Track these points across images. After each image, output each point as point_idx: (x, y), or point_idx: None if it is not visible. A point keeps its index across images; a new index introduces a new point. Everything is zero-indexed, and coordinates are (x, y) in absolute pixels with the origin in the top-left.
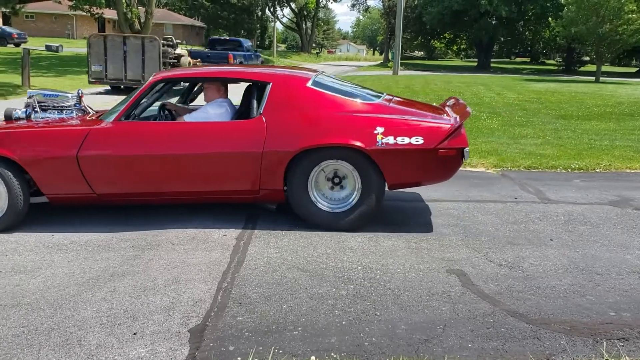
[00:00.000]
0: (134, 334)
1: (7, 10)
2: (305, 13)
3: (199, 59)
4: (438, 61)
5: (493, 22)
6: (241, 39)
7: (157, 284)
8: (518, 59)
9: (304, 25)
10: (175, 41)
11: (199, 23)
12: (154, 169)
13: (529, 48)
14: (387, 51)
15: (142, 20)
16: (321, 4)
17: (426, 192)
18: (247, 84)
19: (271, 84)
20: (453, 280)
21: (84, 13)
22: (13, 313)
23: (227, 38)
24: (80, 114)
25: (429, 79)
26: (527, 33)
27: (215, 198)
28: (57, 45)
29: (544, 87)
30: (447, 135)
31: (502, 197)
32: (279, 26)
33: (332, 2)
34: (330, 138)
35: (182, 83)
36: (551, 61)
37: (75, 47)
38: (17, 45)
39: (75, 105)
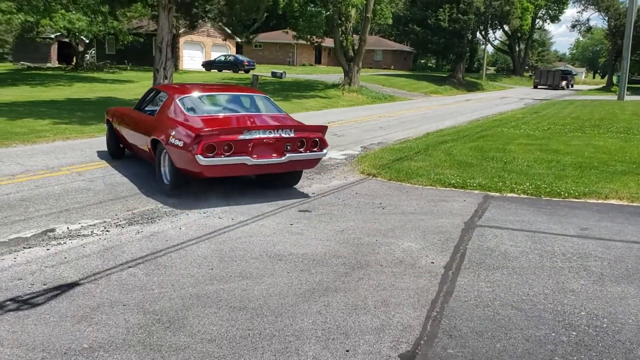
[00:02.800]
0: (347, 351)
1: (242, 40)
2: (519, 35)
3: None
4: None
5: None
6: (568, 69)
7: (367, 304)
8: None
9: (516, 48)
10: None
11: (407, 48)
12: (128, 135)
13: None
14: (611, 74)
15: (356, 47)
16: (537, 25)
17: None
18: None
19: (168, 95)
20: None
21: (304, 42)
22: (240, 315)
23: (562, 69)
24: None
25: None
26: None
27: (147, 156)
28: (282, 72)
29: None
30: (191, 142)
31: None
32: (489, 49)
33: (549, 23)
34: (156, 135)
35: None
36: None
37: (295, 74)
38: (246, 71)
39: None
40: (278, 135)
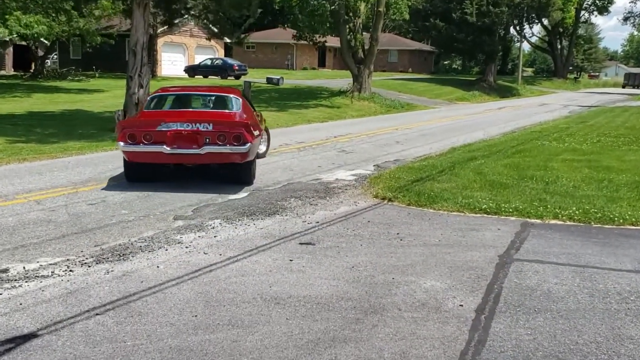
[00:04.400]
0: None
1: (232, 41)
2: (561, 30)
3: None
4: None
5: None
6: None
7: (383, 357)
8: None
9: (558, 45)
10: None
11: (427, 47)
12: None
13: None
14: None
15: (366, 47)
16: (582, 19)
17: None
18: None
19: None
20: None
21: (305, 42)
22: None
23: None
24: None
25: None
26: None
27: None
28: (279, 77)
29: None
30: (119, 132)
31: None
32: (525, 47)
33: (596, 16)
34: None
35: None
36: None
37: (294, 79)
38: (237, 77)
39: None
40: (195, 129)
